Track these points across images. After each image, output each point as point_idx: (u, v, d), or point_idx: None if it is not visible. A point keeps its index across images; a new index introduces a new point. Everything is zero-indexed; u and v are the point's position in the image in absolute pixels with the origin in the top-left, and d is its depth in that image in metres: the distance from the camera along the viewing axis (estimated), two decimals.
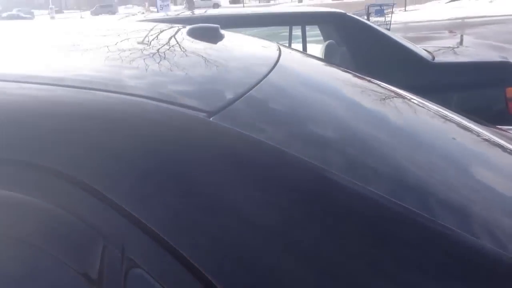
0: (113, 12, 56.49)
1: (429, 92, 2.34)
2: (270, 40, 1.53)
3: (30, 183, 0.64)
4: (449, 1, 27.80)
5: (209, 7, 52.60)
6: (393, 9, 14.85)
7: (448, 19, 20.85)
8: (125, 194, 0.64)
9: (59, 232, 0.62)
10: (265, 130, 0.83)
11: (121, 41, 1.23)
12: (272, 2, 67.59)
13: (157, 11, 20.23)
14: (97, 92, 0.79)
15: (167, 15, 4.38)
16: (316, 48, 4.11)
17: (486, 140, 1.25)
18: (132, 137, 0.71)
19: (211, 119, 0.76)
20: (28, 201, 0.63)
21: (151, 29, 1.42)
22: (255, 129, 0.81)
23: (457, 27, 16.10)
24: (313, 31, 4.54)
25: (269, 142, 0.76)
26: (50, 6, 58.88)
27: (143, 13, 17.63)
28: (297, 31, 3.98)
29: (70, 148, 0.68)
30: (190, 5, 22.94)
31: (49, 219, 0.62)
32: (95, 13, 58.35)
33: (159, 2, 20.34)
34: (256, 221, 0.66)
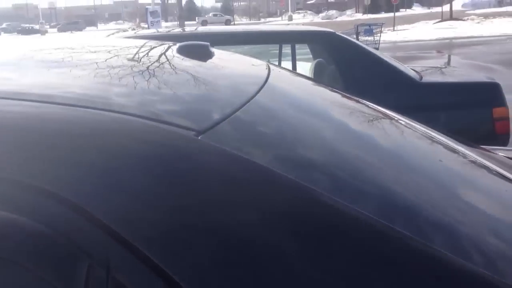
0: (79, 29, 56.61)
1: (417, 112, 2.35)
2: (260, 58, 1.53)
3: (14, 200, 0.63)
4: (438, 22, 28.18)
5: (221, 22, 52.67)
6: (382, 28, 15.00)
7: (436, 39, 21.11)
8: (112, 212, 0.63)
9: (42, 250, 0.61)
10: (253, 150, 0.83)
11: (111, 58, 1.23)
12: (262, 21, 68.14)
13: (148, 27, 20.28)
14: (86, 110, 0.79)
15: (158, 31, 4.40)
16: (306, 66, 4.14)
17: (472, 161, 1.26)
18: (121, 155, 0.71)
19: (199, 137, 0.76)
20: (10, 219, 0.62)
21: (141, 46, 1.42)
22: (243, 149, 0.81)
23: (445, 47, 16.33)
24: (303, 49, 4.58)
25: (257, 161, 0.76)
26: (41, 20, 58.94)
27: (133, 29, 17.69)
28: (287, 49, 4.02)
29: (56, 166, 0.67)
30: (181, 22, 23.04)
31: (32, 237, 0.61)
32: (62, 30, 58.48)
33: (149, 19, 20.37)
34: (243, 240, 0.65)
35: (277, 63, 4.21)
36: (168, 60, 1.25)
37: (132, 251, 0.61)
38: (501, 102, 3.38)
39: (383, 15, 45.42)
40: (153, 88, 0.99)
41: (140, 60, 1.22)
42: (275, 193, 0.72)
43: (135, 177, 0.68)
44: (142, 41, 1.53)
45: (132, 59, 1.22)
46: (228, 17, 57.99)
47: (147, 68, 1.14)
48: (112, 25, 71.56)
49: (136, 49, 1.37)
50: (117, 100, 0.88)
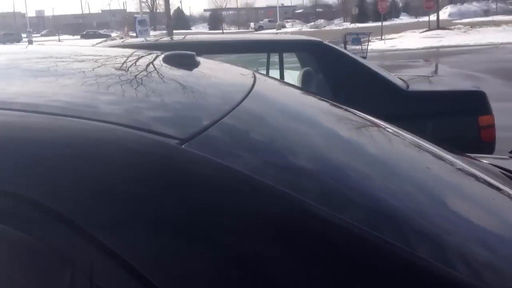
0: (17, 40, 56.09)
1: (403, 120, 2.36)
2: (247, 67, 1.54)
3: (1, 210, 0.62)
4: (425, 31, 28.45)
5: (274, 28, 53.39)
6: (370, 37, 15.12)
7: (424, 48, 21.33)
8: (95, 221, 0.63)
9: (26, 259, 0.61)
10: (238, 158, 0.83)
11: (97, 67, 1.22)
12: (250, 29, 68.39)
13: (136, 36, 20.26)
14: (70, 119, 0.78)
15: (146, 40, 4.40)
16: (294, 75, 4.16)
17: (459, 169, 1.26)
18: (104, 164, 0.70)
19: (183, 146, 0.76)
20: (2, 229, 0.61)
21: (128, 56, 1.41)
22: (228, 157, 0.81)
23: (432, 56, 16.49)
24: (291, 58, 4.60)
25: (241, 170, 0.76)
26: (28, 29, 58.64)
27: (122, 38, 17.67)
28: (275, 58, 4.03)
29: (40, 175, 0.67)
30: (169, 31, 23.05)
31: (16, 245, 0.61)
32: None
33: (138, 27, 20.34)
34: (229, 249, 0.65)
35: (265, 72, 4.22)
36: (153, 69, 1.25)
37: (115, 260, 0.61)
38: (487, 111, 3.41)
39: (370, 24, 45.84)
40: (138, 97, 0.98)
41: (126, 69, 1.22)
42: (259, 202, 0.72)
43: (119, 186, 0.68)
44: (129, 51, 1.53)
45: (118, 68, 1.22)
46: (281, 22, 58.73)
47: (133, 77, 1.14)
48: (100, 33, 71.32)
49: (123, 59, 1.37)
50: (102, 109, 0.88)
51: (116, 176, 0.69)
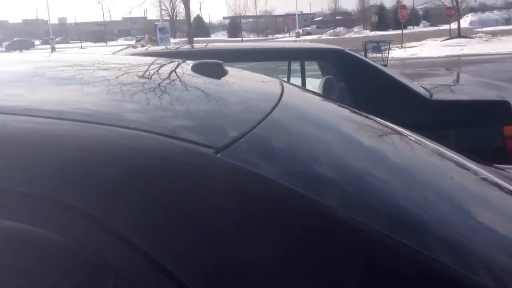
0: (30, 47, 56.58)
1: (427, 130, 2.34)
2: (271, 75, 1.54)
3: (34, 214, 0.63)
4: (446, 39, 28.24)
5: (322, 33, 54.08)
6: (390, 45, 15.07)
7: (445, 56, 21.16)
8: (133, 228, 0.64)
9: (69, 265, 0.62)
10: (271, 167, 0.84)
11: (126, 74, 1.24)
12: (270, 37, 68.67)
13: (157, 44, 20.48)
14: (104, 127, 0.79)
15: (166, 48, 4.43)
16: (315, 83, 4.15)
17: (484, 179, 1.25)
18: (139, 172, 0.71)
19: (218, 155, 0.76)
20: (35, 232, 0.62)
21: (156, 64, 1.43)
22: (261, 166, 0.82)
23: (454, 64, 16.36)
24: (311, 66, 4.59)
25: (276, 179, 0.76)
26: (51, 36, 59.56)
27: (143, 45, 17.84)
28: (295, 65, 4.03)
29: (76, 182, 0.67)
30: (190, 38, 23.24)
31: (59, 252, 0.62)
32: (10, 48, 58.84)
33: (158, 35, 20.58)
34: (260, 259, 0.66)
35: (285, 80, 4.22)
36: (184, 77, 1.27)
37: (154, 266, 0.61)
38: None
39: (390, 32, 45.68)
40: (170, 105, 0.99)
41: (156, 78, 1.23)
42: (293, 210, 0.73)
43: (155, 194, 0.69)
44: (158, 59, 1.55)
45: (148, 77, 1.24)
46: (338, 29, 59.28)
47: (163, 86, 1.15)
48: (121, 41, 72.29)
49: (152, 67, 1.39)
50: (136, 118, 0.89)
51: (152, 184, 0.70)
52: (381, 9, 65.36)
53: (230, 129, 0.92)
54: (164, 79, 1.23)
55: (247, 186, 0.74)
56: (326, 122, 1.27)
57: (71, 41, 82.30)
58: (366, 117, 1.47)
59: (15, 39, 63.57)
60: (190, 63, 1.35)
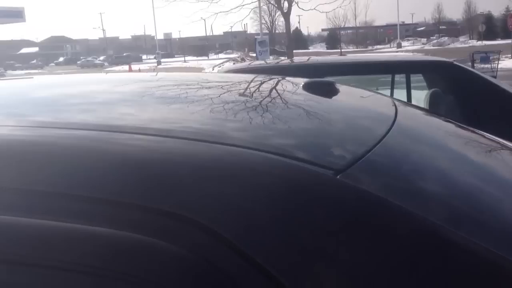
0: (127, 62, 56.36)
1: None
2: (371, 87, 1.51)
3: (163, 230, 0.65)
4: None
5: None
6: (500, 55, 14.30)
7: None
8: (254, 246, 0.64)
9: (195, 281, 0.63)
10: (388, 190, 0.81)
11: (238, 94, 1.27)
12: (369, 48, 67.64)
13: (256, 57, 20.89)
14: (218, 146, 0.81)
15: (266, 63, 4.48)
16: (420, 96, 4.02)
17: None
18: (258, 191, 0.71)
19: (338, 177, 0.75)
20: (155, 244, 0.64)
21: (266, 83, 1.45)
22: (380, 189, 0.80)
23: None
24: (415, 77, 4.45)
25: (397, 202, 0.74)
26: (157, 51, 62.71)
27: (242, 58, 18.27)
28: (398, 77, 3.91)
29: (197, 196, 0.69)
30: (290, 52, 23.48)
31: (188, 268, 0.63)
32: (113, 63, 60.69)
33: (258, 48, 21.01)
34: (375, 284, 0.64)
35: (388, 92, 4.12)
36: (295, 96, 1.27)
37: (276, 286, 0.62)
38: None
39: (499, 42, 43.37)
40: (285, 125, 1.00)
41: (267, 97, 1.24)
42: (416, 235, 0.71)
43: (275, 215, 0.68)
44: (265, 78, 1.57)
45: (260, 96, 1.25)
46: (442, 39, 57.88)
47: (277, 105, 1.16)
48: (222, 55, 74.56)
49: (263, 86, 1.40)
50: (250, 137, 0.90)
51: (270, 205, 0.70)
52: (489, 17, 62.26)
53: (347, 151, 0.91)
54: (277, 98, 1.24)
55: (367, 208, 0.73)
56: (443, 143, 1.24)
57: (175, 55, 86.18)
58: (480, 135, 1.41)
59: (115, 55, 67.74)
60: (301, 81, 1.35)
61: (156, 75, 1.92)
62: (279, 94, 1.29)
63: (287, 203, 0.70)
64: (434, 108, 3.55)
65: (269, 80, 1.47)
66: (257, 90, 1.33)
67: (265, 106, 1.12)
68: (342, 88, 1.39)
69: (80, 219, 0.66)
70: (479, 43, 46.41)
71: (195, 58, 70.65)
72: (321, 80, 1.33)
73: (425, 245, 0.70)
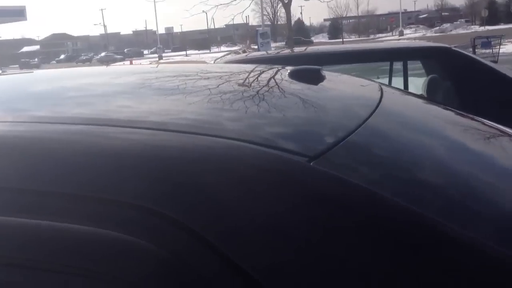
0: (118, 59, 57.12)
1: None
2: (370, 75, 1.49)
3: (134, 222, 0.64)
4: None
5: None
6: (502, 40, 14.19)
7: None
8: (224, 238, 0.63)
9: (164, 276, 0.62)
10: (366, 176, 0.80)
11: (221, 84, 1.25)
12: (371, 37, 67.26)
13: (258, 49, 20.79)
14: (197, 136, 0.80)
15: (267, 53, 4.48)
16: (418, 82, 4.01)
17: None
18: (232, 180, 0.71)
19: (311, 163, 0.75)
20: (131, 242, 0.63)
21: (252, 72, 1.43)
22: (355, 175, 0.79)
23: None
24: (412, 64, 4.43)
25: (371, 188, 0.74)
26: (159, 45, 62.51)
27: (244, 51, 18.19)
28: (398, 65, 3.91)
29: (174, 191, 0.68)
30: (290, 42, 23.34)
31: (159, 265, 0.62)
32: (101, 61, 60.30)
33: (259, 40, 20.91)
34: (354, 270, 0.64)
35: (387, 80, 4.12)
36: (279, 84, 1.26)
37: (245, 278, 0.61)
38: None
39: (502, 26, 43.01)
40: (263, 113, 0.99)
41: (250, 85, 1.24)
42: (390, 222, 0.70)
43: (247, 203, 0.68)
44: (252, 66, 1.55)
45: (242, 85, 1.24)
46: (444, 26, 56.94)
47: (257, 93, 1.15)
48: (223, 47, 74.24)
49: (250, 75, 1.39)
50: (228, 126, 0.89)
51: (243, 193, 0.69)
52: (492, 2, 61.75)
53: (324, 137, 0.90)
54: (258, 87, 1.23)
55: (341, 195, 0.72)
56: (429, 128, 1.21)
57: (174, 49, 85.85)
58: (471, 118, 1.39)
59: (106, 53, 67.73)
60: (288, 69, 1.34)
61: (156, 66, 1.89)
62: (263, 83, 1.28)
63: (257, 189, 0.70)
64: (431, 94, 3.55)
65: (255, 70, 1.46)
66: (237, 79, 1.32)
67: (245, 95, 1.11)
68: (328, 74, 1.38)
69: (36, 214, 0.65)
70: (482, 28, 46.05)
71: (196, 51, 70.33)
72: (306, 67, 1.32)
73: (402, 231, 0.69)
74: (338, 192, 0.72)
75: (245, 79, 1.33)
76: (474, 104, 3.10)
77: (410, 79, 3.86)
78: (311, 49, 4.31)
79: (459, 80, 3.42)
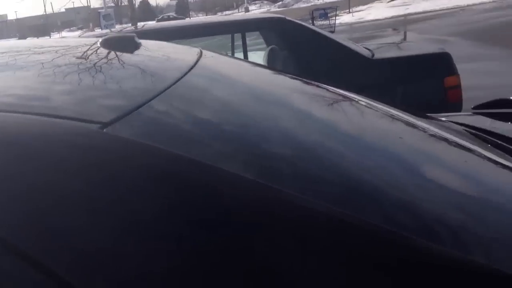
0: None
1: (371, 89, 2.36)
2: (218, 50, 1.47)
3: None
4: (391, 0, 28.52)
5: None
6: (337, 12, 15.14)
7: (391, 17, 21.40)
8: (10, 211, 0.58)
9: None
10: (169, 139, 0.78)
11: (27, 58, 1.16)
12: (219, 14, 67.88)
13: (101, 30, 19.92)
14: None
15: (111, 31, 4.32)
16: (260, 54, 4.13)
17: (432, 135, 1.22)
18: (18, 154, 0.66)
19: (104, 130, 0.72)
20: None
21: (62, 45, 1.35)
22: (155, 138, 0.77)
23: (400, 24, 16.50)
24: (260, 39, 4.55)
25: (167, 149, 0.72)
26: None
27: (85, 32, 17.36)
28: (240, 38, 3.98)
29: None
30: (134, 23, 22.75)
31: None
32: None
33: (103, 22, 20.05)
34: (158, 235, 0.60)
35: (231, 53, 4.19)
36: (89, 55, 1.20)
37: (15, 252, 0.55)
38: (452, 71, 3.43)
39: None
40: (60, 85, 0.93)
41: (58, 58, 1.15)
42: (186, 179, 0.68)
43: (36, 176, 0.63)
44: (67, 40, 1.46)
45: (50, 59, 1.16)
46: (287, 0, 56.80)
47: (64, 64, 1.08)
48: (65, 33, 70.25)
49: (56, 48, 1.31)
50: (18, 100, 0.84)
51: (29, 165, 0.64)
52: None
53: (123, 102, 0.87)
54: (67, 59, 1.15)
55: (137, 160, 0.69)
56: (248, 88, 1.21)
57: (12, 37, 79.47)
58: (300, 80, 1.44)
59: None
60: (100, 39, 1.28)
61: None
62: (71, 55, 1.20)
63: (46, 162, 0.66)
64: (271, 64, 3.68)
65: (68, 45, 1.36)
66: (48, 53, 1.23)
67: (44, 67, 1.04)
68: (145, 42, 1.34)
69: None
70: (321, 1, 48.64)
71: (35, 38, 65.77)
72: (119, 35, 1.28)
73: (212, 192, 0.67)
74: (134, 158, 0.70)
75: (53, 52, 1.23)
76: (309, 70, 3.27)
77: (255, 52, 3.97)
78: (149, 26, 4.22)
79: (294, 48, 3.58)
